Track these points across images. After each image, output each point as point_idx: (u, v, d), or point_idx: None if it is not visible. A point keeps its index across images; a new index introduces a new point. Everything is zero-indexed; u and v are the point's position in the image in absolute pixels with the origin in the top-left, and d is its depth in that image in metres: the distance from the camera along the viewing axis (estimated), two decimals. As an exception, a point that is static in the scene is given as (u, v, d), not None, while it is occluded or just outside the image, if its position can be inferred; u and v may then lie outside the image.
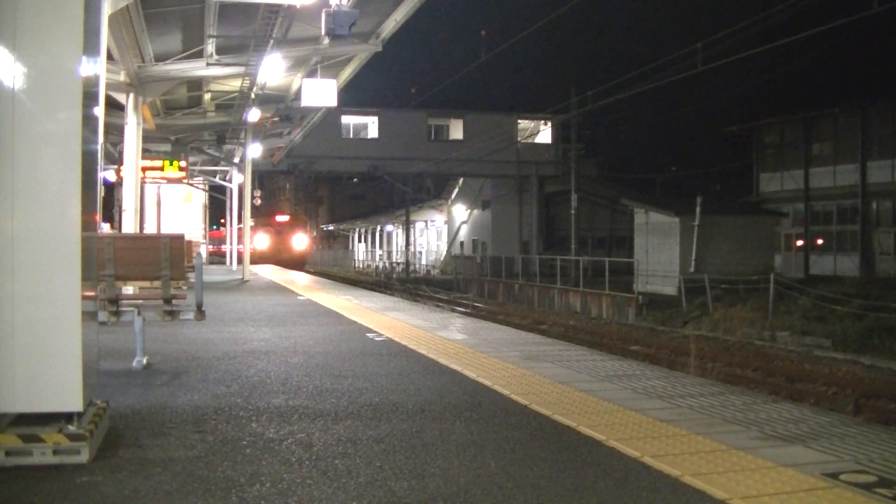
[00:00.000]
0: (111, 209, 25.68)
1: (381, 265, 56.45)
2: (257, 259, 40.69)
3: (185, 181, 25.11)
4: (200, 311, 6.68)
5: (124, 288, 8.32)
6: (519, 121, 43.32)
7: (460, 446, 4.11)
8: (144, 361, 6.57)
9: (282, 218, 50.94)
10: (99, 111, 4.56)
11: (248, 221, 24.51)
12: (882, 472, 3.59)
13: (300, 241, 49.86)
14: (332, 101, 16.22)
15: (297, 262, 45.02)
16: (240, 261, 25.40)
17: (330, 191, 74.72)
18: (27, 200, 3.73)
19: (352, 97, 33.46)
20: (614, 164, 51.41)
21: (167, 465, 3.74)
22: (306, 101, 16.28)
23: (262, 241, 46.56)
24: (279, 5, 11.88)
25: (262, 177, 46.52)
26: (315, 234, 72.40)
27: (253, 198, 28.77)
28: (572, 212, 32.96)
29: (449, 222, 50.85)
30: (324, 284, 20.01)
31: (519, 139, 41.91)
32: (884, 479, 3.50)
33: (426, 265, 52.25)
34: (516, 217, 42.83)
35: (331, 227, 74.86)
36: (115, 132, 17.91)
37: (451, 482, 3.50)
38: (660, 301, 23.94)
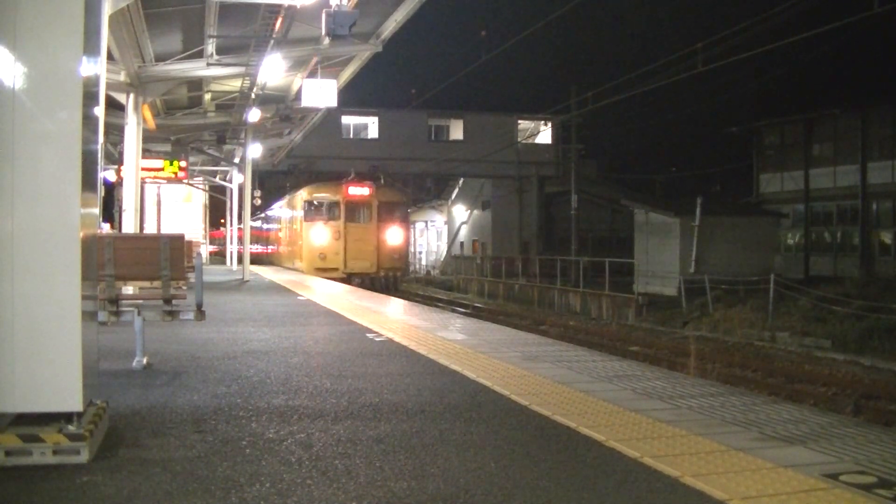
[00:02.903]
0: (111, 209, 25.69)
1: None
2: (314, 269, 25.08)
3: (186, 181, 25.13)
4: (200, 311, 6.67)
5: (124, 288, 8.34)
6: (519, 121, 43.37)
7: (460, 447, 4.11)
8: (144, 361, 6.57)
9: (358, 191, 26.10)
10: (99, 111, 4.56)
11: (248, 222, 24.50)
12: (882, 473, 3.59)
13: (394, 236, 26.17)
14: (332, 101, 16.24)
15: (387, 274, 25.61)
16: (240, 261, 25.39)
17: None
18: (27, 200, 3.73)
19: (352, 97, 33.48)
20: (614, 164, 51.56)
21: (167, 465, 3.74)
22: (306, 101, 16.30)
23: (320, 236, 25.53)
24: (279, 5, 11.89)
25: (263, 177, 40.74)
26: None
27: (253, 198, 28.78)
28: (572, 212, 32.98)
29: (449, 223, 50.88)
30: (324, 284, 20.01)
31: (519, 140, 41.95)
32: (884, 479, 3.50)
33: (426, 266, 52.28)
34: (516, 217, 42.87)
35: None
36: (115, 132, 17.94)
37: (451, 483, 3.50)
38: (660, 302, 23.95)
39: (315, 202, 26.27)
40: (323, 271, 24.77)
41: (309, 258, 25.69)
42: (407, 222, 28.52)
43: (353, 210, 25.88)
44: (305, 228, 26.11)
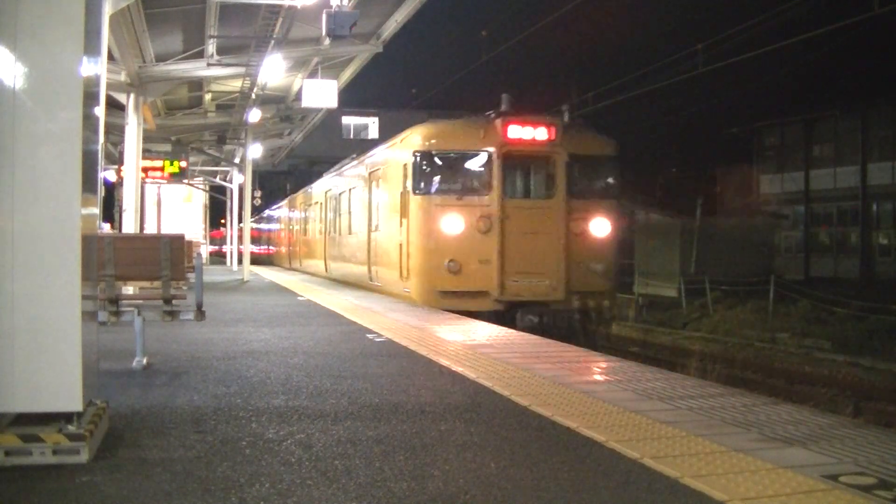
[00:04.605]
0: (111, 209, 25.68)
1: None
2: (437, 294, 12.16)
3: (186, 181, 25.13)
4: (200, 312, 6.67)
5: (124, 288, 8.34)
6: (519, 122, 43.25)
7: (460, 447, 4.11)
8: (144, 362, 6.56)
9: (529, 133, 11.80)
10: (100, 111, 4.57)
11: (248, 222, 24.51)
12: (882, 475, 3.59)
13: (599, 228, 12.21)
14: (332, 101, 16.25)
15: (584, 305, 12.12)
16: (240, 261, 25.41)
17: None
18: (27, 200, 3.73)
19: (352, 98, 33.42)
20: (614, 165, 51.30)
21: (167, 465, 3.74)
22: (307, 101, 16.31)
23: (450, 225, 11.90)
24: (280, 6, 11.91)
25: (263, 177, 40.88)
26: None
27: (253, 198, 28.78)
28: (572, 213, 32.89)
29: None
30: (323, 285, 20.01)
31: (519, 140, 41.81)
32: (883, 481, 3.50)
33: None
34: (516, 218, 42.79)
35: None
36: (115, 132, 17.93)
37: (451, 483, 3.50)
38: (660, 303, 23.95)
39: (437, 157, 12.57)
40: (455, 298, 12.10)
41: (426, 271, 12.58)
42: (618, 200, 13.69)
43: (518, 173, 12.75)
44: (415, 210, 12.68)
